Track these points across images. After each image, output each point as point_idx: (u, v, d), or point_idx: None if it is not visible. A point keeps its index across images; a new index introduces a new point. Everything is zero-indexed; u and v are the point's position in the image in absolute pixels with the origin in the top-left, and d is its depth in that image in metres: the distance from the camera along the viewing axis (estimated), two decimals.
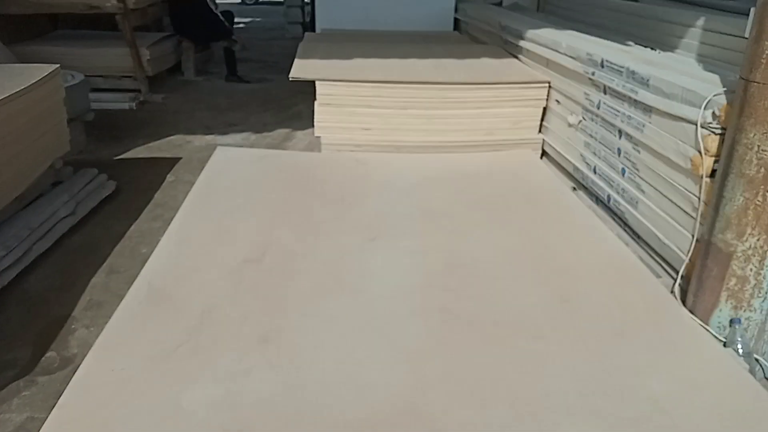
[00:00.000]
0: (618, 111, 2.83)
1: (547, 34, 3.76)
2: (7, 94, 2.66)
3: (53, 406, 1.89)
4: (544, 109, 3.72)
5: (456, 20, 6.37)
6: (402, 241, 2.55)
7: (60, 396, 1.94)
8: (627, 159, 2.81)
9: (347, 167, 3.33)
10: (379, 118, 3.54)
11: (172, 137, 4.50)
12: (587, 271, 2.36)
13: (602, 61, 2.95)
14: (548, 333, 1.97)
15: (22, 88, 2.78)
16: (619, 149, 2.88)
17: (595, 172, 3.11)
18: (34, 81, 2.89)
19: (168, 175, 3.78)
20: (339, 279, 2.24)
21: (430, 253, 2.46)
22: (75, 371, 2.08)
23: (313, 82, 3.55)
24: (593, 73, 3.03)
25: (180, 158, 4.07)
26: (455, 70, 3.87)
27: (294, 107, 5.37)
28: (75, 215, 3.04)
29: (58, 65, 3.17)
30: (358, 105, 3.51)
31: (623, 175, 2.85)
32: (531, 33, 4.01)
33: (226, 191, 2.91)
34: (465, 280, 2.28)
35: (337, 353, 1.83)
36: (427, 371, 1.79)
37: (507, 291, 2.22)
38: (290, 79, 3.56)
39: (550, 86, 3.63)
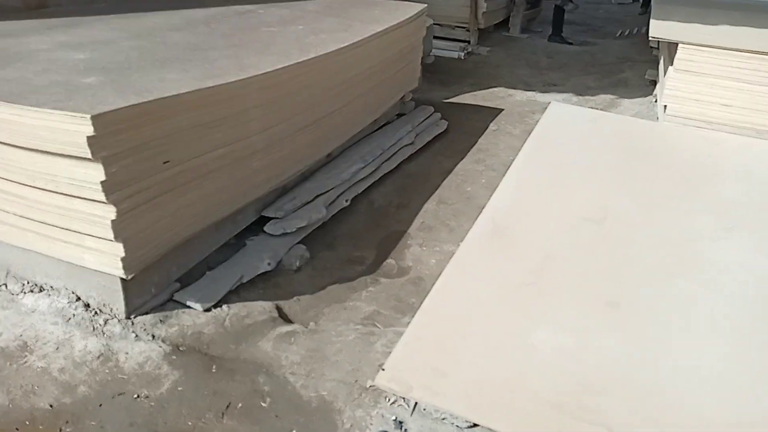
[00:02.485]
0: None
1: None
2: (387, 26, 2.97)
3: (394, 306, 2.13)
4: None
5: None
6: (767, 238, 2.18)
7: (397, 297, 2.18)
8: None
9: (694, 145, 2.96)
10: (746, 95, 3.04)
11: (494, 89, 4.59)
12: None
13: None
14: None
15: (399, 21, 3.08)
16: None
17: None
18: (408, 17, 3.17)
19: (491, 124, 3.88)
20: (689, 263, 2.01)
21: None
22: (411, 280, 2.31)
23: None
24: None
25: (502, 110, 4.14)
26: None
27: (620, 74, 4.99)
28: (414, 145, 3.31)
29: (425, 5, 3.42)
30: (723, 76, 3.06)
31: None
32: None
33: (561, 146, 2.85)
34: None
35: (689, 344, 1.65)
36: None
37: None
38: (650, 38, 3.27)
39: None
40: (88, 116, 1.46)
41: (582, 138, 2.96)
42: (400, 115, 3.60)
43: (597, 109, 4.21)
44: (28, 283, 1.83)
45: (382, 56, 2.99)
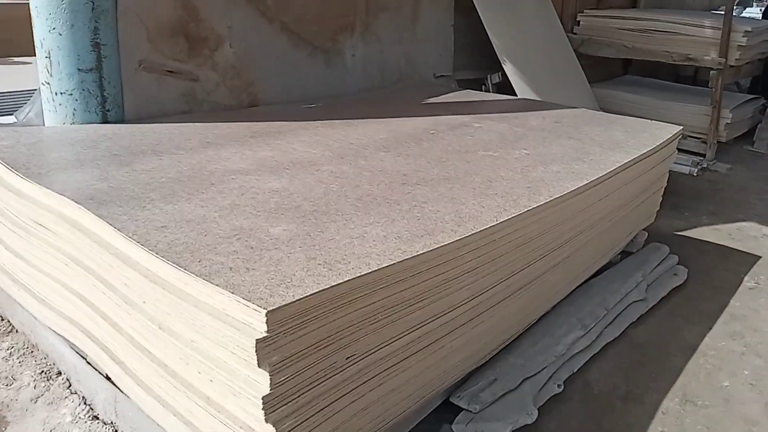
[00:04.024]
0: None
1: None
2: (636, 155, 2.34)
3: None
4: None
5: None
6: None
7: None
8: None
9: None
10: None
11: (743, 223, 3.64)
12: None
13: None
14: None
15: (649, 149, 2.43)
16: None
17: None
18: (658, 143, 2.52)
19: (745, 277, 2.97)
20: None
21: None
22: None
23: None
24: None
25: (759, 257, 3.20)
26: None
27: None
28: (646, 302, 2.57)
29: (681, 127, 2.74)
30: None
31: None
32: None
33: None
34: None
35: None
36: None
37: None
38: None
39: None
40: (263, 312, 1.06)
41: None
42: (624, 253, 2.89)
43: None
44: None
45: (623, 192, 2.36)
